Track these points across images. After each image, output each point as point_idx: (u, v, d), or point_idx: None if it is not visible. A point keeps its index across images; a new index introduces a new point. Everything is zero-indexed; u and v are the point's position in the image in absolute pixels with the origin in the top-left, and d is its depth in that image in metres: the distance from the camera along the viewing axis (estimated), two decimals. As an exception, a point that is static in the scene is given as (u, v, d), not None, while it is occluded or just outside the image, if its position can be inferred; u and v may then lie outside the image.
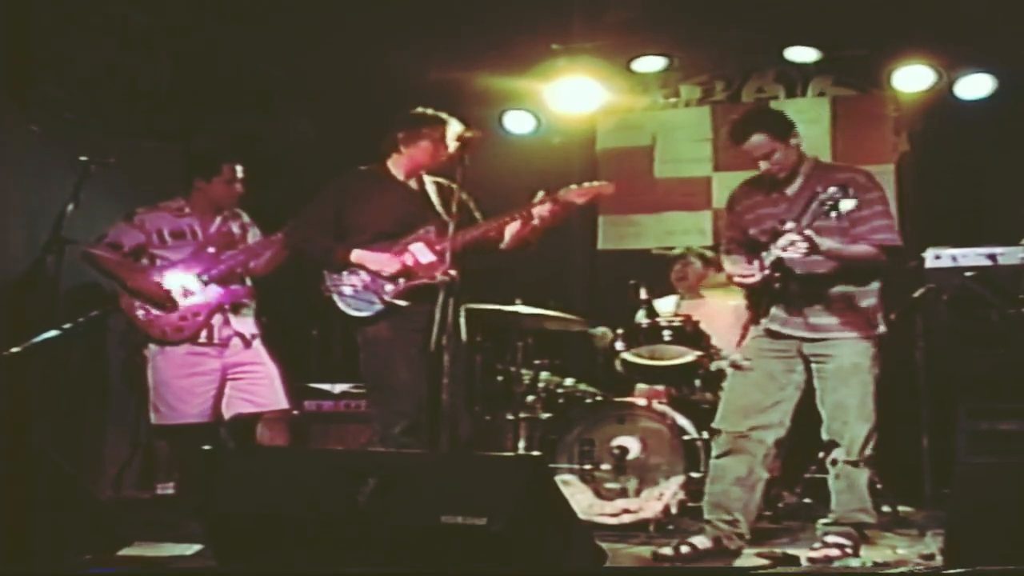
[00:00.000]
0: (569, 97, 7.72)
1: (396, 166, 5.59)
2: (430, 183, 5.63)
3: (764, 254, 4.89)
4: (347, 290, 5.42)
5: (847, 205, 4.61)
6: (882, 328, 5.07)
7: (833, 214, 4.64)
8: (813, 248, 4.70)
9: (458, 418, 5.28)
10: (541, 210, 5.35)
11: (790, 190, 5.06)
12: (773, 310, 5.04)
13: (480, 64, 7.51)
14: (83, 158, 5.63)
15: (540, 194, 5.40)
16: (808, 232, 4.67)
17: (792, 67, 7.74)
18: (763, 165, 5.05)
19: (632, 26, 7.45)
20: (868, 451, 4.94)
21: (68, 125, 6.66)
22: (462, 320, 5.34)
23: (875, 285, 5.08)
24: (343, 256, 5.42)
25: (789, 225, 4.72)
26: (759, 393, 5.06)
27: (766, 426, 5.04)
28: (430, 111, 5.58)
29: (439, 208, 5.54)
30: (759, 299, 5.06)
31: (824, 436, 5.02)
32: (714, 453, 5.16)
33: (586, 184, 5.45)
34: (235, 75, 7.51)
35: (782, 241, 4.71)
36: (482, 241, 5.44)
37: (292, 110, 7.86)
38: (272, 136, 7.63)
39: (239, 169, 6.04)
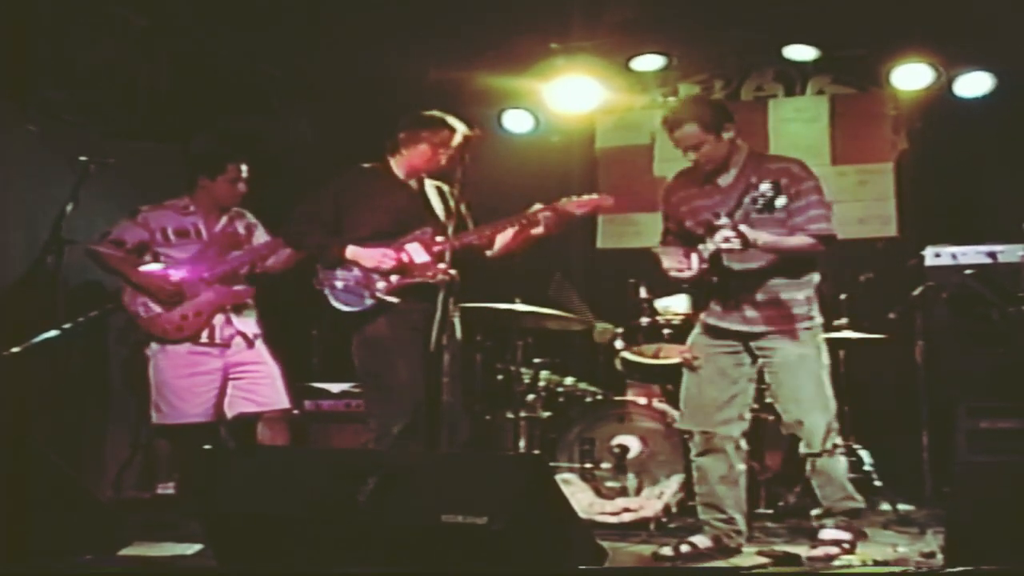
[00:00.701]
0: (568, 96, 7.70)
1: (397, 166, 5.59)
2: (430, 186, 5.63)
3: (701, 247, 4.89)
4: (338, 284, 5.41)
5: (779, 202, 4.61)
6: (818, 319, 5.06)
7: (765, 214, 4.64)
8: (747, 243, 4.71)
9: (458, 417, 5.28)
10: (543, 217, 5.36)
11: (723, 180, 5.05)
12: (712, 304, 5.05)
13: (479, 63, 7.50)
14: (82, 158, 5.63)
15: (537, 205, 5.39)
16: (742, 228, 4.68)
17: (791, 65, 7.73)
18: (691, 155, 5.03)
19: (631, 25, 7.44)
20: (832, 441, 4.92)
21: (67, 126, 6.65)
22: (457, 320, 5.33)
23: (812, 277, 5.08)
24: (338, 252, 5.41)
25: (723, 220, 4.71)
26: (714, 390, 5.08)
27: (727, 421, 5.06)
28: (436, 114, 5.55)
29: (437, 210, 5.53)
30: (698, 294, 5.07)
31: (783, 431, 5.03)
32: (692, 454, 5.19)
33: (585, 196, 5.46)
34: (234, 76, 7.50)
35: (717, 237, 4.72)
36: (472, 246, 5.45)
37: (291, 110, 7.85)
38: (271, 136, 7.62)
39: (244, 168, 6.05)
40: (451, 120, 5.52)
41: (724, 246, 4.72)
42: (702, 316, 5.10)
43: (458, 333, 5.38)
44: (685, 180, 5.22)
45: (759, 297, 4.99)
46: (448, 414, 5.10)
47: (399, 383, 5.29)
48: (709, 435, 5.07)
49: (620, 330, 6.41)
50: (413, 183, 5.60)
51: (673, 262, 5.02)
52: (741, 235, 4.67)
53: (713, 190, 5.05)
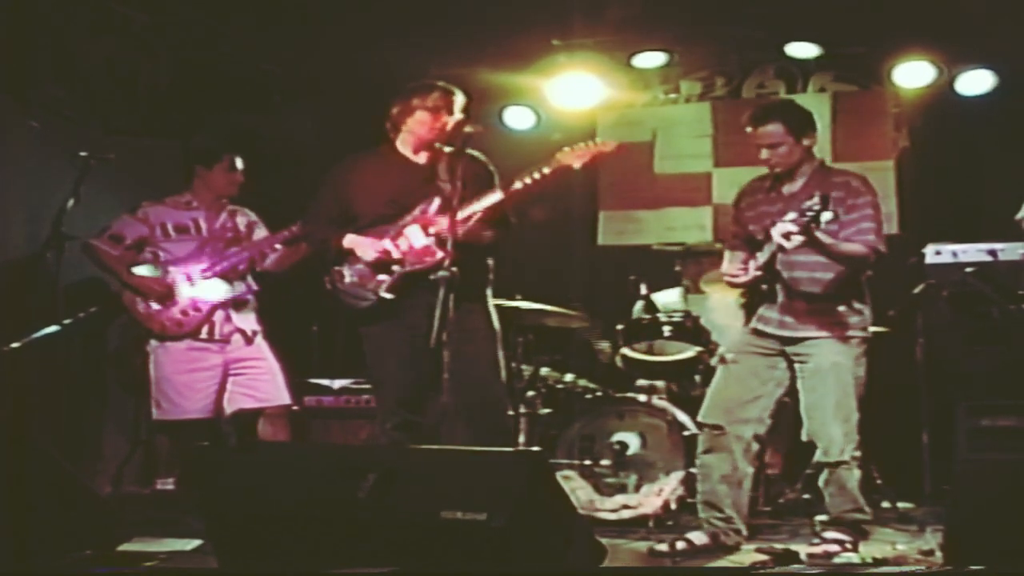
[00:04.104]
0: (569, 93, 7.71)
1: (404, 144, 5.33)
2: (450, 153, 5.26)
3: (758, 254, 4.93)
4: (346, 279, 5.23)
5: (824, 217, 4.62)
6: (861, 332, 5.05)
7: (812, 225, 4.64)
8: (809, 239, 4.68)
9: (458, 414, 5.25)
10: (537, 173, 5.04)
11: (788, 188, 5.08)
12: (761, 310, 5.07)
13: (480, 60, 7.50)
14: (83, 154, 5.64)
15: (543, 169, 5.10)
16: (804, 220, 4.65)
17: (792, 63, 7.73)
18: (764, 154, 5.05)
19: (632, 22, 7.44)
20: (849, 453, 4.91)
21: (68, 122, 6.65)
22: (493, 313, 5.25)
23: (861, 289, 5.09)
24: (337, 243, 5.23)
25: (790, 215, 4.71)
26: (739, 388, 5.08)
27: (744, 420, 5.05)
28: (425, 81, 5.40)
29: (443, 184, 5.17)
30: (750, 299, 5.09)
31: (803, 437, 5.04)
32: (698, 451, 5.19)
33: (582, 144, 5.14)
34: (235, 72, 7.50)
35: (777, 229, 4.71)
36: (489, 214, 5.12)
37: (292, 107, 7.84)
38: (272, 133, 7.62)
39: (239, 160, 6.06)
40: (441, 84, 5.32)
41: (784, 243, 4.69)
42: (751, 321, 5.10)
43: (495, 324, 5.26)
44: (754, 186, 5.28)
45: (805, 305, 5.00)
46: (450, 411, 5.02)
47: (392, 379, 5.22)
48: (716, 433, 5.06)
49: (620, 326, 6.41)
50: (422, 157, 5.30)
51: (732, 266, 5.10)
52: (804, 229, 4.63)
53: (777, 198, 5.08)
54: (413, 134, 5.29)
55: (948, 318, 6.19)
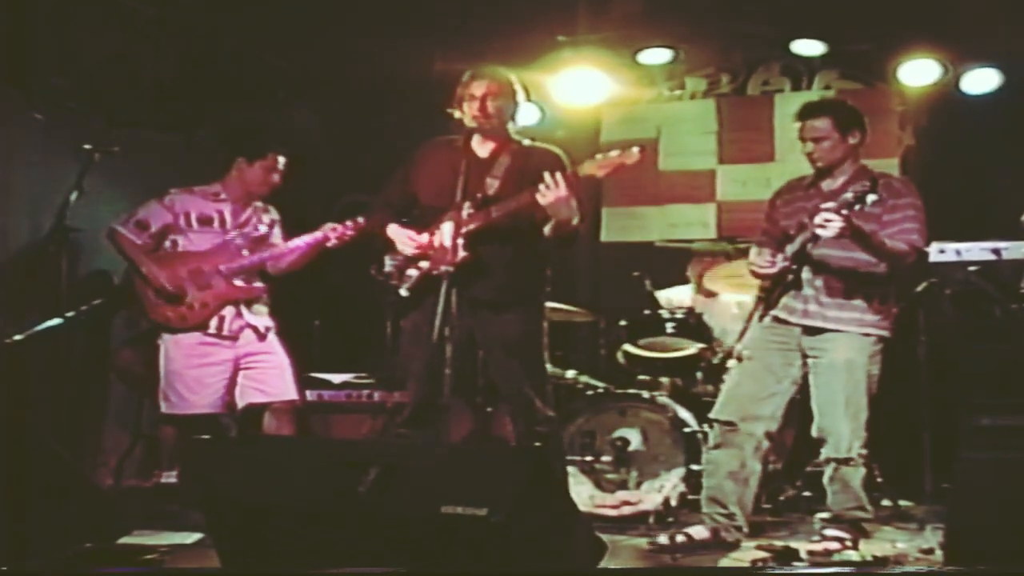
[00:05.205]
0: (574, 89, 7.70)
1: (476, 136, 5.06)
2: (515, 146, 5.12)
3: (788, 247, 4.95)
4: (387, 269, 5.16)
5: (870, 199, 4.64)
6: (880, 332, 5.07)
7: (857, 207, 4.66)
8: (848, 226, 4.68)
9: (459, 410, 5.25)
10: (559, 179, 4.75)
11: (826, 185, 5.09)
12: (785, 299, 5.06)
13: (485, 55, 7.46)
14: (87, 146, 5.63)
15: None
16: (845, 211, 4.67)
17: (798, 60, 7.72)
18: (808, 147, 5.07)
19: (638, 18, 7.44)
20: (856, 450, 4.93)
21: (72, 114, 6.65)
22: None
23: (888, 290, 5.12)
24: (380, 231, 5.15)
25: (828, 204, 4.73)
26: (755, 385, 5.08)
27: (756, 418, 5.05)
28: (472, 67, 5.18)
29: (496, 176, 5.01)
30: (773, 289, 5.08)
31: (814, 433, 5.04)
32: (707, 446, 5.20)
33: (606, 155, 4.87)
34: (239, 66, 7.50)
35: (818, 218, 4.72)
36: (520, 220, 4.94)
37: (295, 103, 7.84)
38: (275, 129, 7.61)
39: (282, 160, 6.03)
40: (483, 68, 5.13)
41: (821, 232, 4.71)
42: (772, 311, 5.10)
43: (535, 335, 5.09)
44: (792, 184, 5.32)
45: (830, 297, 5.02)
46: (450, 407, 4.98)
47: (411, 375, 5.21)
48: (728, 430, 5.07)
49: (623, 323, 6.41)
50: (486, 150, 5.10)
51: (759, 259, 5.11)
52: (845, 218, 4.65)
53: (815, 194, 5.09)
54: (473, 124, 5.03)
55: (951, 316, 6.20)
